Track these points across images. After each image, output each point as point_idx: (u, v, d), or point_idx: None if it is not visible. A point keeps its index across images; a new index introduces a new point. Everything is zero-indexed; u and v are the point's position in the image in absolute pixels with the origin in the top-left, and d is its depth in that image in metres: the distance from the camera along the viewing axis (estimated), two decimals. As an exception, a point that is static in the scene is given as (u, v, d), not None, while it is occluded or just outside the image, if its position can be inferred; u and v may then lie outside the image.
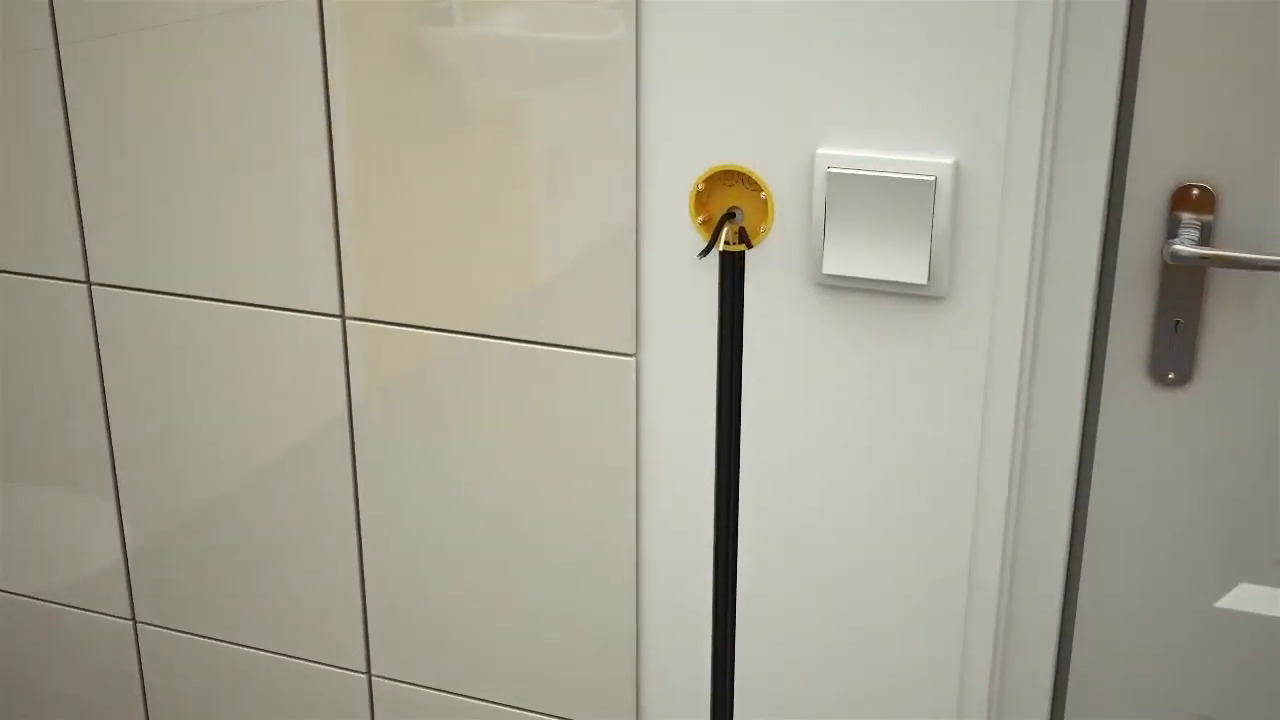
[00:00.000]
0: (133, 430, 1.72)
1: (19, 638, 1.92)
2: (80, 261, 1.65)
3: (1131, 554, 1.45)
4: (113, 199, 1.61)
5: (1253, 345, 1.34)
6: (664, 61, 1.33)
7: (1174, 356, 1.36)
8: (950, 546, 1.40)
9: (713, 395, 1.43)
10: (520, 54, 1.41)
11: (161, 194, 1.58)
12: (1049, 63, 1.23)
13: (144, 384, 1.69)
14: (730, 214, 1.36)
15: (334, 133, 1.48)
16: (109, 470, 1.75)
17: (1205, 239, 1.31)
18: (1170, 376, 1.37)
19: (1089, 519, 1.45)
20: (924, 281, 1.30)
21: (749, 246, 1.36)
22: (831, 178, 1.30)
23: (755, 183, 1.34)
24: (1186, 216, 1.31)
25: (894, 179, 1.28)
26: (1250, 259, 1.29)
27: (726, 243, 1.36)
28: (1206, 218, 1.31)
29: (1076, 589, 1.48)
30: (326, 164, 1.50)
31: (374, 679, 1.72)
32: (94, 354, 1.69)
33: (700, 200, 1.36)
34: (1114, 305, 1.37)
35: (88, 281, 1.66)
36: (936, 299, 1.32)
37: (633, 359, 1.44)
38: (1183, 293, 1.34)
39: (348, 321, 1.55)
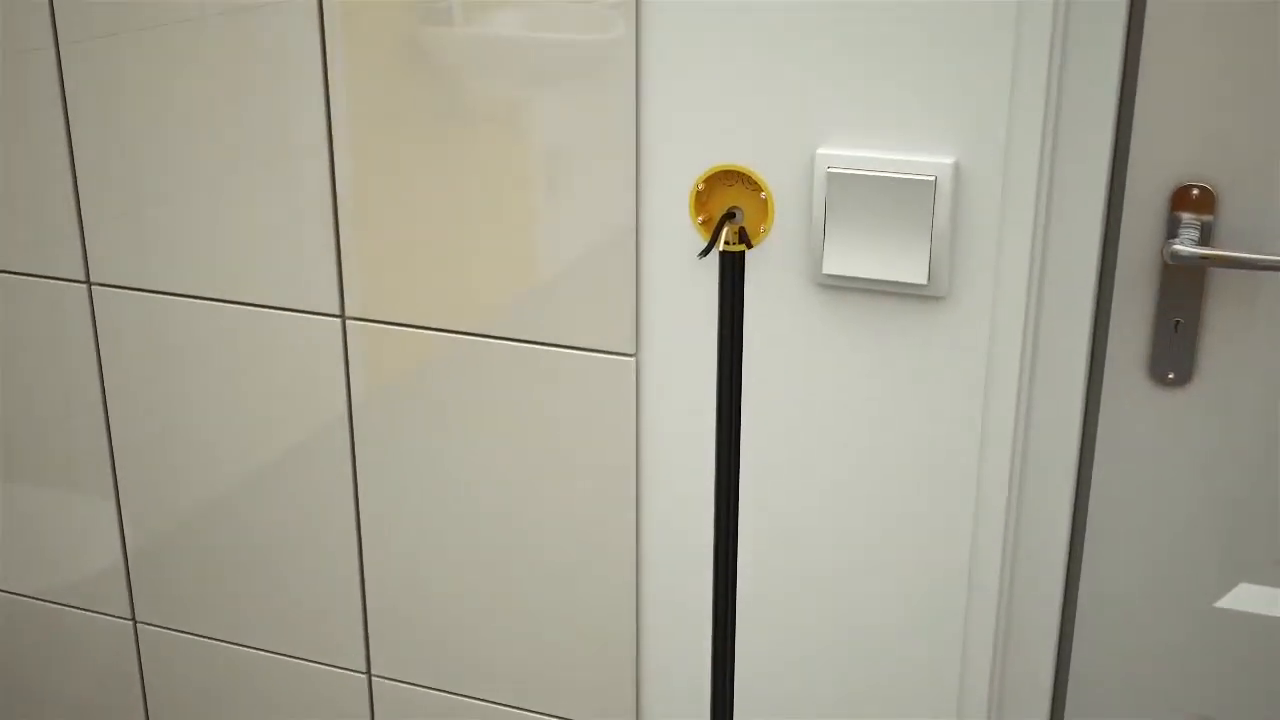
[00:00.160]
0: (133, 430, 1.72)
1: (19, 638, 1.92)
2: (80, 261, 1.65)
3: (1131, 554, 1.45)
4: (113, 199, 1.61)
5: (1253, 345, 1.34)
6: (664, 61, 1.33)
7: (1174, 356, 1.36)
8: (950, 546, 1.40)
9: (713, 395, 1.43)
10: (520, 54, 1.41)
11: (161, 194, 1.58)
12: (1049, 63, 1.23)
13: (144, 384, 1.69)
14: (730, 214, 1.36)
15: (334, 133, 1.48)
16: (109, 470, 1.75)
17: (1205, 239, 1.31)
18: (1170, 376, 1.37)
19: (1089, 519, 1.45)
20: (924, 281, 1.30)
21: (749, 246, 1.36)
22: (831, 178, 1.30)
23: (755, 183, 1.34)
24: (1186, 216, 1.31)
25: (894, 179, 1.28)
26: (1250, 259, 1.29)
27: (726, 243, 1.36)
28: (1206, 218, 1.31)
29: (1076, 589, 1.48)
30: (326, 164, 1.50)
31: (374, 679, 1.72)
32: (94, 354, 1.69)
33: (700, 200, 1.36)
34: (1114, 305, 1.37)
35: (88, 281, 1.66)
36: (936, 299, 1.32)
37: (633, 359, 1.44)
38: (1183, 293, 1.34)
39: (348, 321, 1.55)
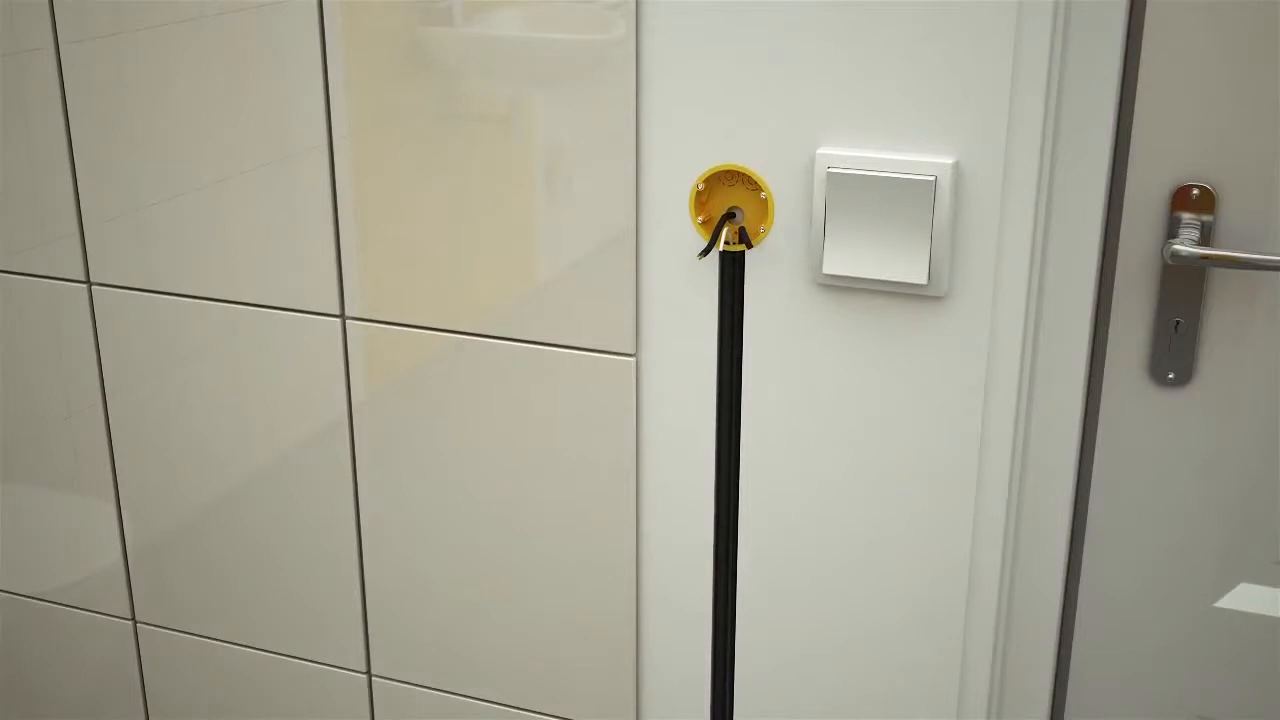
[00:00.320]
0: (133, 430, 1.72)
1: (19, 638, 1.92)
2: (80, 261, 1.65)
3: (1131, 554, 1.45)
4: (113, 199, 1.61)
5: (1253, 345, 1.34)
6: (664, 61, 1.33)
7: (1174, 356, 1.36)
8: (950, 546, 1.40)
9: (713, 395, 1.43)
10: (520, 54, 1.41)
11: (161, 194, 1.58)
12: (1049, 63, 1.23)
13: (144, 384, 1.68)
14: (730, 214, 1.36)
15: (334, 133, 1.48)
16: (109, 470, 1.75)
17: (1205, 239, 1.31)
18: (1170, 376, 1.37)
19: (1089, 519, 1.45)
20: (924, 281, 1.30)
21: (749, 246, 1.36)
22: (831, 178, 1.30)
23: (755, 183, 1.34)
24: (1186, 216, 1.31)
25: (894, 179, 1.28)
26: (1250, 259, 1.29)
27: (726, 243, 1.36)
28: (1206, 218, 1.31)
29: (1076, 589, 1.48)
30: (326, 164, 1.50)
31: (374, 679, 1.72)
32: (94, 354, 1.69)
33: (700, 200, 1.36)
34: (1114, 305, 1.37)
35: (88, 281, 1.66)
36: (936, 299, 1.32)
37: (633, 359, 1.44)
38: (1183, 293, 1.34)
39: (348, 321, 1.55)
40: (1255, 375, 1.35)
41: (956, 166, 1.27)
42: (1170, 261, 1.30)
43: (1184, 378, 1.37)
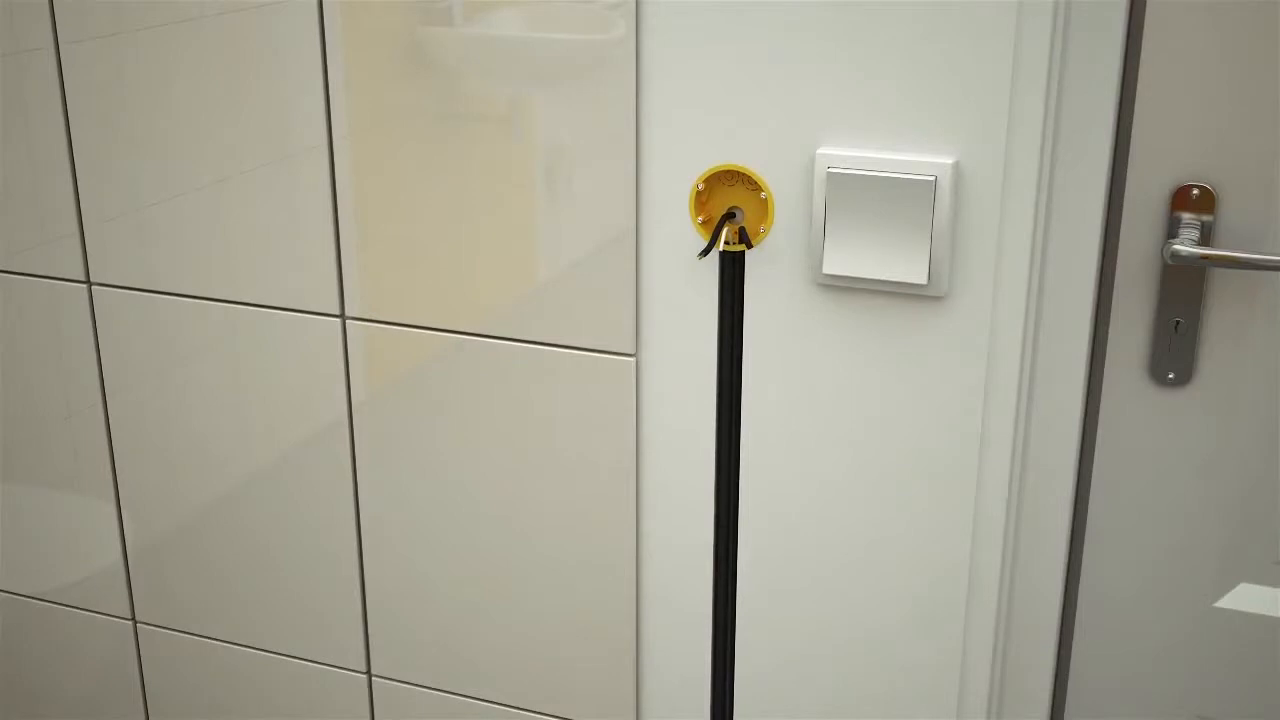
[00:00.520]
0: (133, 430, 1.72)
1: (19, 638, 1.92)
2: (80, 261, 1.65)
3: (1131, 554, 1.45)
4: (113, 199, 1.61)
5: (1253, 345, 1.34)
6: (664, 61, 1.33)
7: (1174, 356, 1.36)
8: (950, 546, 1.40)
9: (713, 395, 1.43)
10: (520, 54, 1.41)
11: (161, 194, 1.58)
12: (1049, 63, 1.23)
13: (144, 384, 1.68)
14: (730, 214, 1.36)
15: (334, 133, 1.48)
16: (109, 470, 1.75)
17: (1205, 239, 1.31)
18: (1170, 376, 1.37)
19: (1089, 519, 1.45)
20: (924, 281, 1.30)
21: (749, 246, 1.36)
22: (832, 178, 1.30)
23: (755, 183, 1.34)
24: (1186, 216, 1.31)
25: (894, 179, 1.28)
26: (1250, 259, 1.29)
27: (726, 243, 1.36)
28: (1206, 218, 1.31)
29: (1076, 589, 1.48)
30: (326, 164, 1.50)
31: (374, 679, 1.72)
32: (94, 354, 1.69)
33: (700, 200, 1.36)
34: (1114, 305, 1.37)
35: (88, 281, 1.66)
36: (936, 299, 1.32)
37: (633, 359, 1.44)
38: (1183, 293, 1.34)
39: (348, 321, 1.55)
40: (1255, 375, 1.35)
41: (956, 166, 1.27)
42: (1170, 261, 1.30)
43: (1184, 378, 1.37)
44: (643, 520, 1.52)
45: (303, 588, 1.71)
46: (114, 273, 1.64)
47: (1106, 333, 1.38)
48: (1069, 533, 1.43)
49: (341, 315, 1.55)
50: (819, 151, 1.30)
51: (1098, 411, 1.41)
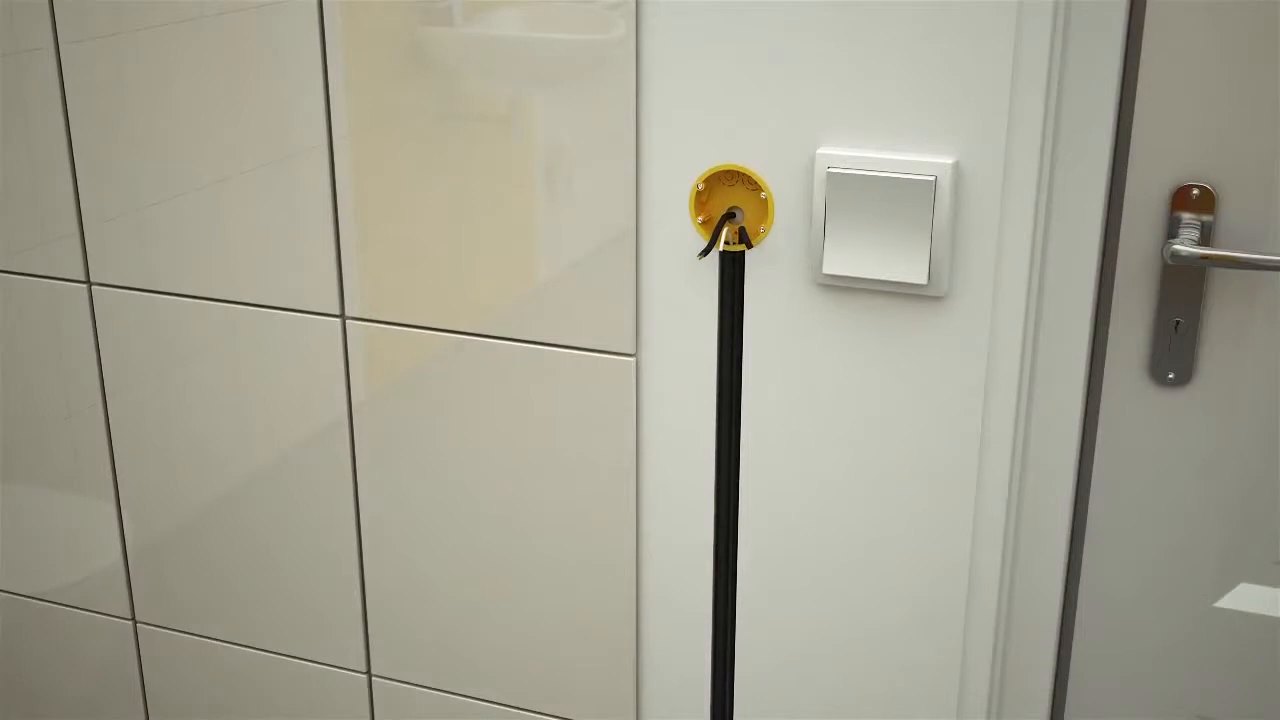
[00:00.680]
0: (133, 430, 1.72)
1: (19, 638, 1.92)
2: (80, 261, 1.65)
3: (1131, 554, 1.45)
4: (113, 199, 1.61)
5: (1253, 345, 1.34)
6: (664, 61, 1.33)
7: (1174, 356, 1.36)
8: (950, 546, 1.40)
9: (713, 395, 1.43)
10: (520, 54, 1.41)
11: (161, 194, 1.58)
12: (1049, 63, 1.23)
13: (144, 384, 1.68)
14: (730, 214, 1.36)
15: (334, 133, 1.48)
16: (109, 470, 1.75)
17: (1205, 239, 1.31)
18: (1170, 376, 1.37)
19: (1089, 519, 1.45)
20: (924, 281, 1.30)
21: (749, 246, 1.36)
22: (832, 178, 1.30)
23: (755, 183, 1.34)
24: (1186, 216, 1.31)
25: (894, 179, 1.28)
26: (1250, 259, 1.29)
27: (726, 243, 1.36)
28: (1206, 217, 1.31)
29: (1076, 589, 1.48)
30: (326, 164, 1.50)
31: (374, 679, 1.72)
32: (94, 354, 1.69)
33: (700, 200, 1.36)
34: (1114, 305, 1.37)
35: (88, 281, 1.66)
36: (936, 299, 1.32)
37: (633, 359, 1.44)
38: (1183, 293, 1.34)
39: (348, 321, 1.55)
40: (1255, 375, 1.35)
41: (956, 166, 1.27)
42: (1170, 261, 1.30)
43: (1184, 378, 1.37)
44: (643, 520, 1.52)
45: (303, 588, 1.71)
46: (114, 273, 1.64)
47: (1106, 333, 1.38)
48: (1069, 533, 1.43)
49: (341, 315, 1.55)
50: (819, 151, 1.30)
51: (1098, 411, 1.41)
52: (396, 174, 1.47)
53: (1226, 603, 1.43)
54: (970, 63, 1.24)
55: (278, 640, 1.76)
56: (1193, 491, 1.40)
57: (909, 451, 1.38)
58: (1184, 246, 1.29)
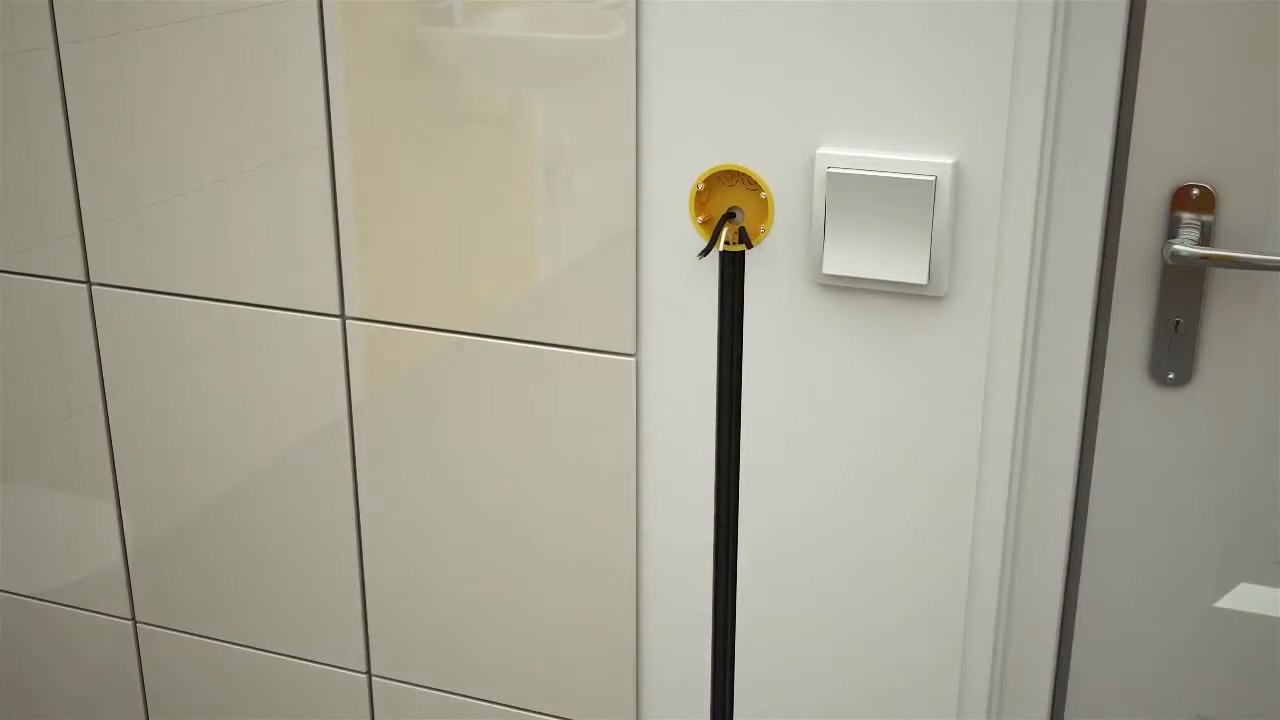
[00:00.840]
0: (133, 430, 1.72)
1: (19, 638, 1.92)
2: (80, 261, 1.65)
3: (1131, 554, 1.45)
4: (113, 199, 1.61)
5: (1253, 345, 1.34)
6: (664, 61, 1.33)
7: (1174, 356, 1.36)
8: (950, 546, 1.40)
9: (713, 395, 1.43)
10: (520, 54, 1.41)
11: (161, 194, 1.58)
12: (1049, 63, 1.23)
13: (144, 384, 1.68)
14: (730, 214, 1.36)
15: (334, 133, 1.48)
16: (109, 470, 1.75)
17: (1205, 239, 1.31)
18: (1170, 376, 1.37)
19: (1089, 519, 1.45)
20: (924, 281, 1.30)
21: (749, 246, 1.36)
22: (832, 178, 1.30)
23: (755, 183, 1.34)
24: (1186, 216, 1.31)
25: (894, 179, 1.28)
26: (1250, 259, 1.29)
27: (726, 243, 1.36)
28: (1206, 217, 1.31)
29: (1076, 589, 1.48)
30: (326, 164, 1.50)
31: (374, 679, 1.72)
32: (94, 354, 1.69)
33: (700, 200, 1.36)
34: (1114, 305, 1.37)
35: (88, 281, 1.66)
36: (936, 299, 1.32)
37: (633, 359, 1.44)
38: (1183, 293, 1.34)
39: (348, 321, 1.55)
40: (1255, 375, 1.35)
41: (956, 166, 1.27)
42: (1170, 261, 1.30)
43: (1184, 378, 1.37)
44: (643, 520, 1.52)
45: (303, 588, 1.71)
46: (114, 273, 1.64)
47: (1106, 333, 1.38)
48: (1069, 533, 1.43)
49: (341, 315, 1.55)
50: (819, 151, 1.30)
51: (1098, 411, 1.41)
52: (396, 174, 1.47)
53: (1226, 603, 1.43)
54: (970, 63, 1.24)
55: (278, 640, 1.76)
56: (1193, 491, 1.40)
57: (909, 451, 1.38)
58: (1184, 246, 1.29)
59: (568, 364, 1.47)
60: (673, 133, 1.36)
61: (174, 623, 1.81)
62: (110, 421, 1.73)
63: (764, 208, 1.35)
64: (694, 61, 1.32)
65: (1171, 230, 1.32)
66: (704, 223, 1.37)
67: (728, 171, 1.35)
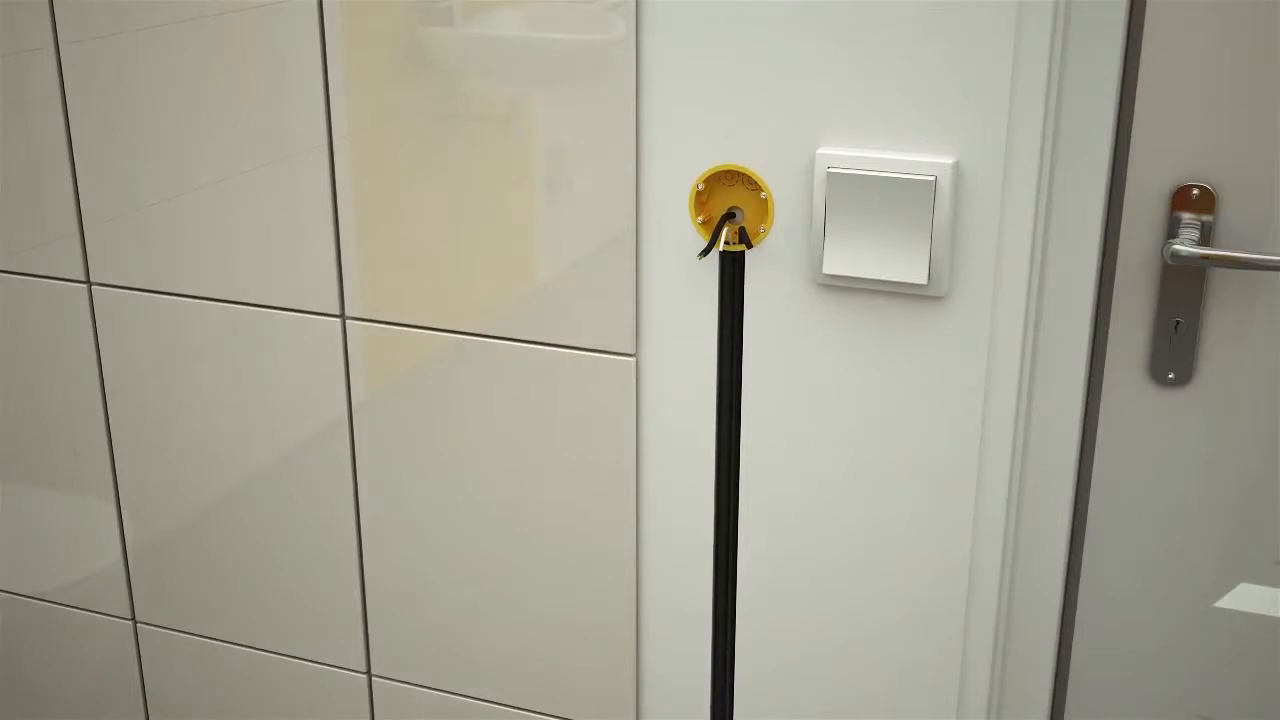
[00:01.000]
0: (133, 430, 1.72)
1: (19, 637, 1.92)
2: (80, 261, 1.65)
3: (1131, 554, 1.45)
4: (113, 199, 1.61)
5: (1253, 345, 1.34)
6: (664, 61, 1.33)
7: (1174, 356, 1.36)
8: (950, 546, 1.40)
9: (713, 395, 1.43)
10: (520, 54, 1.41)
11: (161, 194, 1.58)
12: (1049, 62, 1.23)
13: (144, 384, 1.68)
14: (730, 214, 1.36)
15: (334, 133, 1.48)
16: (109, 470, 1.75)
17: (1205, 239, 1.31)
18: (1170, 376, 1.37)
19: (1089, 519, 1.45)
20: (924, 281, 1.30)
21: (749, 246, 1.36)
22: (832, 178, 1.30)
23: (755, 183, 1.34)
24: (1186, 216, 1.31)
25: (894, 179, 1.28)
26: (1250, 259, 1.29)
27: (726, 243, 1.36)
28: (1206, 217, 1.31)
29: (1076, 589, 1.48)
30: (326, 164, 1.50)
31: (374, 679, 1.72)
32: (94, 354, 1.69)
33: (700, 200, 1.36)
34: (1114, 305, 1.37)
35: (88, 281, 1.66)
36: (936, 299, 1.32)
37: (633, 359, 1.44)
38: (1183, 292, 1.34)
39: (348, 321, 1.55)
40: (1255, 375, 1.35)
41: (956, 166, 1.27)
42: (1170, 261, 1.30)
43: (1184, 378, 1.37)
44: (643, 520, 1.52)
45: (303, 588, 1.71)
46: (114, 272, 1.64)
47: (1106, 333, 1.38)
48: (1069, 533, 1.43)
49: (341, 315, 1.55)
50: (819, 151, 1.30)
51: (1098, 411, 1.41)
52: (396, 174, 1.47)
53: (1226, 603, 1.43)
54: (970, 63, 1.24)
55: (278, 640, 1.76)
56: (1193, 491, 1.40)
57: (909, 451, 1.38)
58: (1184, 246, 1.29)
59: (568, 364, 1.47)
60: (673, 133, 1.35)
61: (174, 622, 1.81)
62: (110, 421, 1.73)
63: (764, 208, 1.35)
64: (694, 61, 1.32)
65: (1171, 230, 1.32)
66: (704, 223, 1.37)
67: (728, 171, 1.35)
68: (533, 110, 1.40)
